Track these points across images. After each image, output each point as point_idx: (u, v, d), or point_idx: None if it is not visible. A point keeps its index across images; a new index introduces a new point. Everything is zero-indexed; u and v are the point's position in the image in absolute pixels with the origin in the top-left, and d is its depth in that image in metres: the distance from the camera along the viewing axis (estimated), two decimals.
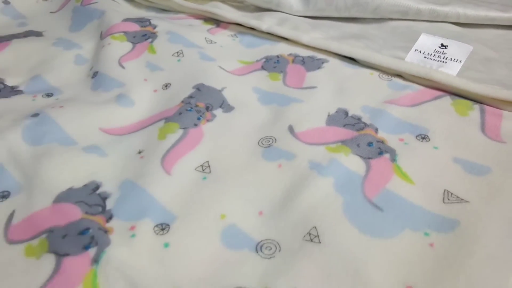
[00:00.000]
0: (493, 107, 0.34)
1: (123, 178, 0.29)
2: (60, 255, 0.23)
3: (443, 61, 0.38)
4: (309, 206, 0.26)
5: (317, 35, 0.45)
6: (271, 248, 0.24)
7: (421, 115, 0.34)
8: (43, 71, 0.43)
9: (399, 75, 0.39)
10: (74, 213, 0.25)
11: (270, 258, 0.23)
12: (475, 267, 0.21)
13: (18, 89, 0.40)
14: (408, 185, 0.27)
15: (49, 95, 0.39)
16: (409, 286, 0.21)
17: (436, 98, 0.35)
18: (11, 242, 0.24)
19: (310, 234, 0.24)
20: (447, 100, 0.35)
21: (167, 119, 0.34)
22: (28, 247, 0.24)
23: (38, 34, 0.51)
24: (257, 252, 0.24)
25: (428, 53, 0.39)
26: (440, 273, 0.22)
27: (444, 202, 0.26)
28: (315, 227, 0.24)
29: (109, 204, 0.27)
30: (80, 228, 0.24)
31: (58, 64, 0.44)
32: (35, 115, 0.34)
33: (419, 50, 0.40)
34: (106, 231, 0.24)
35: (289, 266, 0.23)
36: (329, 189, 0.27)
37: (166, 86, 0.39)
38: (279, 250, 0.24)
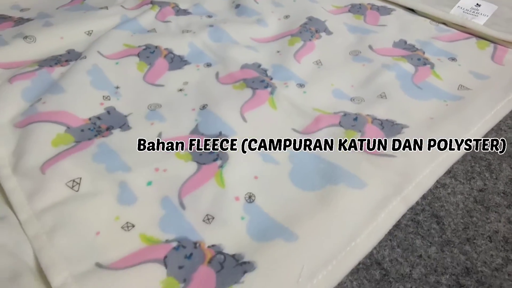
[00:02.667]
0: (503, 46, 0.52)
1: (272, 62, 0.50)
2: (254, 88, 0.45)
3: (475, 15, 0.56)
4: (380, 83, 0.47)
5: None
6: (359, 100, 0.45)
7: (454, 47, 0.53)
8: (200, 1, 0.64)
9: (443, 23, 0.57)
10: (253, 73, 0.47)
11: (358, 104, 0.45)
12: (469, 111, 0.42)
13: (188, 11, 0.62)
14: (439, 80, 0.47)
15: (209, 16, 0.61)
16: (431, 117, 0.42)
17: (466, 38, 0.54)
18: (222, 83, 0.47)
19: (381, 95, 0.45)
20: (473, 40, 0.54)
21: (292, 35, 0.55)
22: (234, 85, 0.46)
23: None
24: (351, 101, 0.45)
25: (466, 9, 0.57)
26: (449, 114, 0.42)
27: (457, 89, 0.46)
28: (384, 92, 0.45)
29: (269, 73, 0.48)
30: (260, 79, 0.46)
31: None
32: (211, 25, 0.56)
33: (460, 6, 0.58)
34: (273, 83, 0.46)
35: (370, 106, 0.44)
36: (392, 77, 0.47)
37: (286, 17, 0.59)
38: (364, 101, 0.45)
